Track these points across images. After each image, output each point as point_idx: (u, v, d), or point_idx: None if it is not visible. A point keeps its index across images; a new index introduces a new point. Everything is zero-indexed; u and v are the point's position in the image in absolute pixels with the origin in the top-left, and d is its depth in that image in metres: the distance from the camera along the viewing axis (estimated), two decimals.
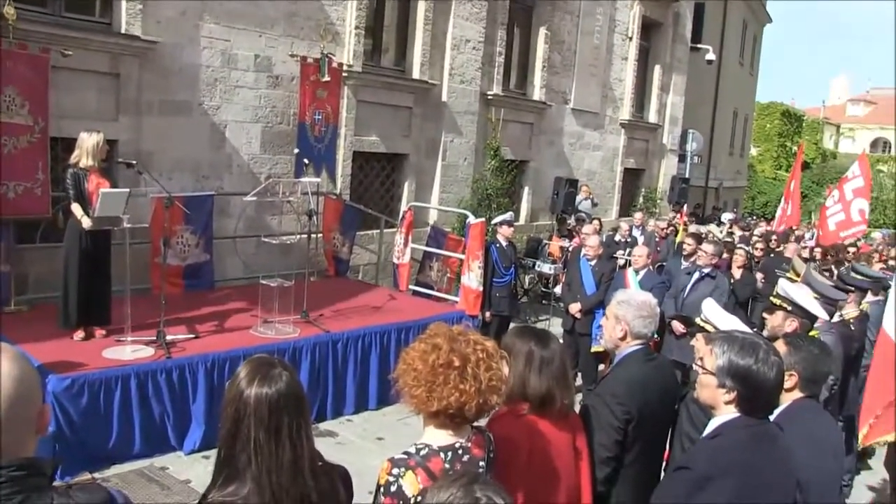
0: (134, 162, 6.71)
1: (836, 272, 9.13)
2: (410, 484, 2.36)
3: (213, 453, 6.35)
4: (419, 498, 2.33)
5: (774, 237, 13.58)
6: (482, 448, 2.56)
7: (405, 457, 2.43)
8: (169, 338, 6.65)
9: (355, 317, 8.23)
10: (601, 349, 8.57)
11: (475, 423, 2.62)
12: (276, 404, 2.13)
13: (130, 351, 6.45)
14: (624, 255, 11.89)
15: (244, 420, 2.13)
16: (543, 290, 13.32)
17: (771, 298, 4.67)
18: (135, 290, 6.85)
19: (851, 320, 6.83)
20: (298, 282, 7.63)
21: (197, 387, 6.50)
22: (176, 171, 8.92)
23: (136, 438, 6.22)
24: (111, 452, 6.05)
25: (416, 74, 12.11)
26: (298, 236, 7.96)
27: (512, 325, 9.19)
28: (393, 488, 2.36)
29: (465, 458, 2.47)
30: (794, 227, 15.84)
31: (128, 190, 6.60)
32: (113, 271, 6.85)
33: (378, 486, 2.40)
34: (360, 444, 6.97)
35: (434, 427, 2.50)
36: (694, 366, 2.99)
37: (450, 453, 2.45)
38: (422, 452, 2.44)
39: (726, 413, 2.70)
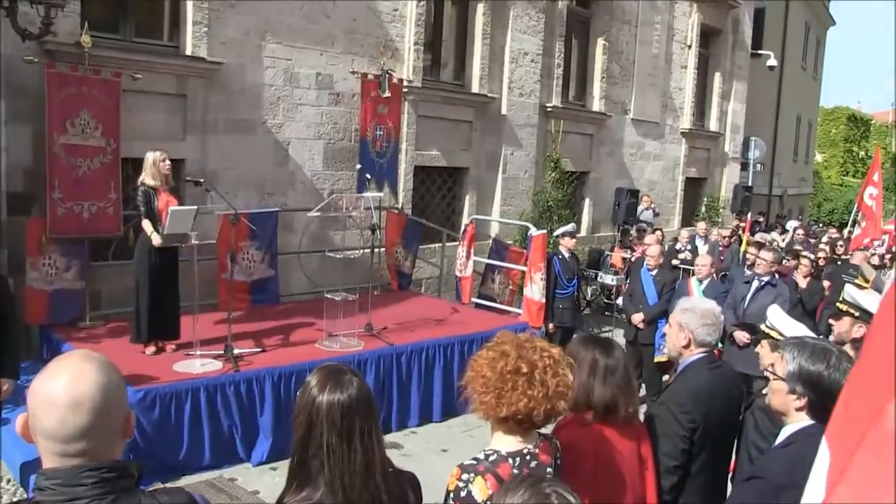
0: (202, 180, 6.90)
1: None
2: (480, 489, 2.39)
3: (280, 465, 6.51)
4: (488, 503, 2.36)
5: (840, 243, 13.24)
6: (549, 454, 2.58)
7: (474, 462, 2.46)
8: (236, 352, 6.79)
9: (419, 330, 8.29)
10: (665, 359, 8.49)
11: (542, 431, 2.64)
12: (347, 410, 2.19)
13: (200, 364, 6.61)
14: (680, 263, 11.76)
15: (317, 426, 2.19)
16: (606, 301, 13.23)
17: (837, 304, 4.58)
18: (202, 305, 7.02)
19: None
20: (362, 296, 7.72)
21: (264, 399, 6.62)
22: (241, 188, 9.13)
23: (206, 450, 6.36)
24: (181, 463, 6.19)
25: (475, 88, 12.19)
26: (361, 251, 8.07)
27: (575, 336, 9.16)
28: (462, 494, 2.39)
29: (533, 464, 2.49)
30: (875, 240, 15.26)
31: (196, 207, 6.79)
32: (181, 287, 7.05)
33: (448, 492, 2.43)
34: (424, 455, 7.01)
35: (502, 433, 2.53)
36: (765, 372, 2.95)
37: (518, 459, 2.48)
38: (490, 458, 2.47)
39: (798, 420, 2.67)
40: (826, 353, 2.64)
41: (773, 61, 21.77)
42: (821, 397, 2.60)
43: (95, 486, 1.62)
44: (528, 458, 2.50)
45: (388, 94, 10.16)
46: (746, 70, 20.38)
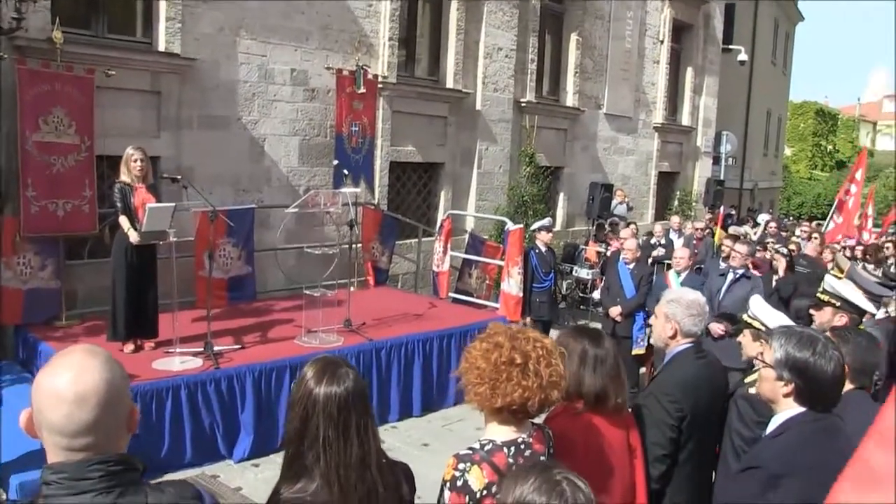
0: (179, 177, 6.85)
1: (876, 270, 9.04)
2: (476, 478, 2.40)
3: (262, 461, 6.49)
4: (484, 492, 2.38)
5: (816, 236, 13.37)
6: (543, 444, 2.60)
7: (470, 452, 2.48)
8: (216, 349, 6.76)
9: (397, 325, 8.30)
10: (642, 352, 8.59)
11: (534, 420, 2.66)
12: (344, 402, 2.20)
13: (179, 362, 6.57)
14: (655, 256, 11.86)
15: (313, 418, 2.19)
16: (581, 295, 13.30)
17: (818, 295, 4.66)
18: (180, 302, 6.97)
19: None
20: (340, 291, 7.72)
21: (245, 396, 6.59)
22: (216, 185, 9.06)
23: (188, 447, 6.33)
24: (163, 461, 6.13)
25: (450, 84, 12.20)
26: (339, 246, 8.05)
27: (553, 330, 9.21)
28: (459, 483, 2.41)
29: (527, 452, 2.51)
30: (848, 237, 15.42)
31: (174, 204, 6.73)
32: (159, 285, 6.99)
33: (444, 482, 2.45)
34: (405, 450, 7.01)
35: (497, 423, 2.55)
36: (754, 360, 2.99)
37: (513, 448, 2.50)
38: (486, 448, 2.49)
39: (787, 408, 2.71)
40: (812, 340, 2.68)
41: (743, 56, 21.98)
42: (808, 383, 2.65)
43: (102, 480, 1.63)
44: (522, 447, 2.52)
45: (363, 89, 10.14)
46: (718, 65, 20.57)
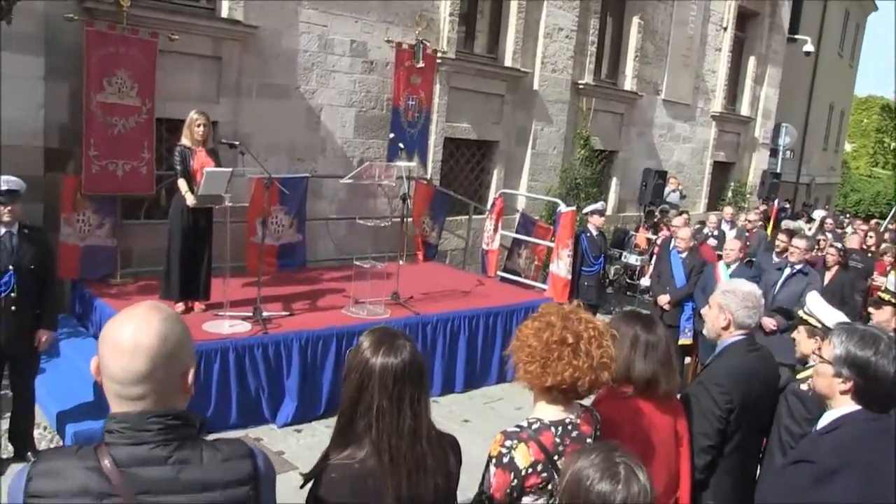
0: (237, 143, 6.91)
1: None
2: (522, 456, 2.42)
3: (305, 427, 6.58)
4: (529, 470, 2.39)
5: (871, 234, 13.09)
6: (590, 425, 2.61)
7: (517, 430, 2.49)
8: (265, 314, 6.85)
9: (444, 301, 8.32)
10: (688, 342, 8.50)
11: (582, 402, 2.66)
12: (400, 374, 2.21)
13: (228, 325, 6.67)
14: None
15: (367, 388, 2.21)
16: (629, 281, 13.21)
17: (879, 294, 4.58)
18: (231, 267, 7.07)
19: None
20: (389, 264, 7.76)
21: (291, 362, 6.68)
22: (272, 153, 9.15)
23: (233, 410, 6.45)
24: (209, 422, 6.25)
25: (508, 62, 12.12)
26: (391, 220, 8.09)
27: (599, 315, 9.16)
28: (505, 460, 2.42)
29: (574, 433, 2.52)
30: None
31: (231, 169, 6.81)
32: (212, 248, 7.10)
33: (490, 458, 2.46)
34: (447, 425, 6.96)
35: (545, 402, 2.55)
36: (811, 356, 2.95)
37: (560, 428, 2.50)
38: (534, 426, 2.50)
39: (843, 405, 2.67)
40: (875, 339, 2.63)
41: (809, 47, 21.43)
42: (868, 382, 2.60)
43: (161, 433, 1.69)
44: (569, 427, 2.52)
45: (421, 64, 10.13)
46: (782, 55, 20.10)
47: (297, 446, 6.35)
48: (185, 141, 6.82)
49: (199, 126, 6.79)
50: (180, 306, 6.95)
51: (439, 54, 10.76)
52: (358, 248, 8.70)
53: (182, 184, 6.72)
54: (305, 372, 6.74)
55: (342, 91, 9.95)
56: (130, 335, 1.68)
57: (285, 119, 9.38)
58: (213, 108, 8.42)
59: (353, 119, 10.13)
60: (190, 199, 6.64)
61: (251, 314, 6.84)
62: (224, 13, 8.70)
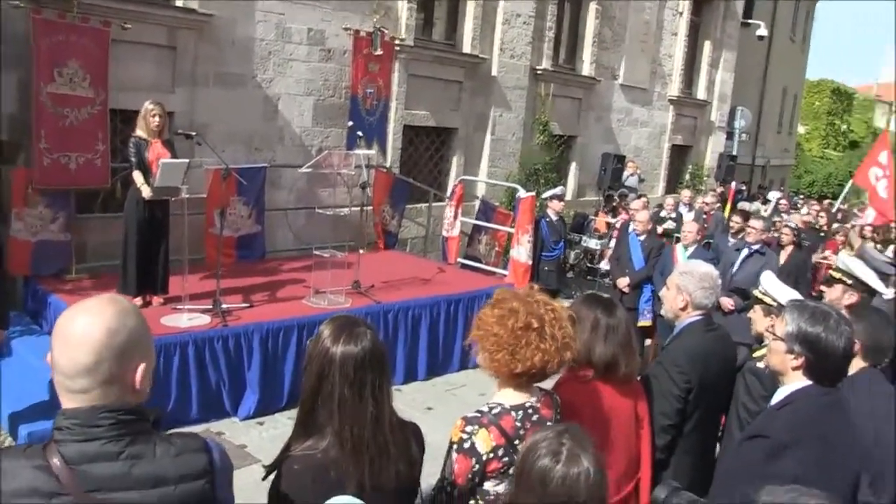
0: (193, 133, 6.81)
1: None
2: (483, 441, 2.43)
3: (267, 419, 6.52)
4: (491, 455, 2.40)
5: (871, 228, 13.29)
6: (551, 409, 2.63)
7: (478, 415, 2.50)
8: (224, 306, 6.78)
9: (405, 288, 8.31)
10: (648, 323, 8.58)
11: (542, 386, 2.68)
12: (361, 362, 2.21)
13: (188, 318, 6.59)
14: (665, 229, 11.83)
15: (328, 377, 2.20)
16: (589, 265, 13.30)
17: (831, 272, 4.67)
18: (190, 259, 6.98)
19: None
20: (349, 253, 7.72)
21: (252, 354, 6.63)
22: (229, 142, 9.04)
23: (194, 404, 6.38)
24: (169, 417, 6.17)
25: (466, 49, 12.10)
26: (350, 208, 8.05)
27: (560, 299, 9.22)
28: (466, 445, 2.43)
29: (535, 417, 2.53)
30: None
31: (187, 161, 6.72)
32: (170, 241, 7.01)
33: (451, 444, 2.47)
34: (409, 413, 6.94)
35: (506, 388, 2.56)
36: (764, 333, 3.00)
37: (520, 412, 2.52)
38: (494, 411, 2.51)
39: (795, 380, 2.72)
40: (825, 315, 2.69)
41: (762, 31, 21.70)
42: (819, 358, 2.66)
43: (112, 428, 1.66)
44: (530, 411, 2.54)
45: (379, 51, 10.07)
46: (736, 39, 20.33)
47: (259, 439, 6.31)
48: (139, 132, 6.69)
49: (154, 116, 6.68)
50: (138, 300, 6.84)
51: (397, 42, 10.70)
52: (318, 237, 8.64)
53: (137, 176, 6.60)
54: (266, 364, 6.70)
55: (300, 79, 9.86)
56: (79, 327, 1.66)
57: (242, 108, 9.27)
58: (168, 98, 8.29)
59: (311, 108, 10.05)
60: (146, 192, 6.54)
61: (210, 307, 6.77)
62: (179, 2, 8.57)
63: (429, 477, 2.53)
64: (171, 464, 1.71)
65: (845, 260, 4.62)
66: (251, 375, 6.65)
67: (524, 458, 2.03)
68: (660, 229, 11.03)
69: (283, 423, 6.52)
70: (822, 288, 4.69)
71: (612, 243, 10.78)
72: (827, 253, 10.63)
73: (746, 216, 9.38)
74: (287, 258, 9.22)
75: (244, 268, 8.46)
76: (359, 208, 8.07)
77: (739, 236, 8.94)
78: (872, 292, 4.63)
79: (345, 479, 2.17)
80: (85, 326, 1.66)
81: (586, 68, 15.06)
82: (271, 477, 2.26)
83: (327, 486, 2.12)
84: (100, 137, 7.64)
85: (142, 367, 1.74)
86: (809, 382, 2.69)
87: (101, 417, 1.66)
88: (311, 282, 7.63)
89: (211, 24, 8.76)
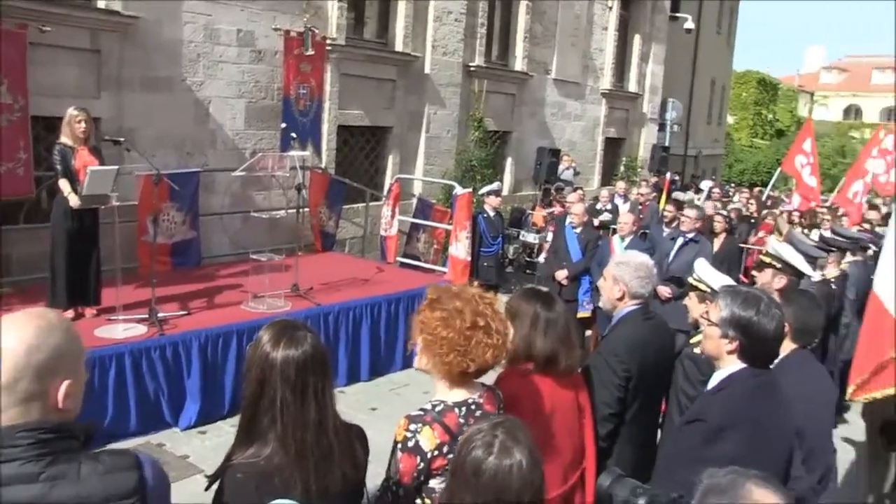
0: (122, 139, 6.67)
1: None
2: (427, 439, 2.41)
3: (209, 428, 6.40)
4: (436, 452, 2.39)
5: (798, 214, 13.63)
6: (493, 404, 2.63)
7: (421, 413, 2.48)
8: (161, 315, 6.64)
9: (345, 289, 8.26)
10: (587, 315, 8.68)
11: (484, 382, 2.67)
12: (302, 365, 2.18)
13: (122, 329, 6.44)
14: (601, 221, 12.00)
15: (270, 382, 2.17)
16: (528, 259, 13.39)
17: (761, 257, 4.78)
18: (122, 268, 6.82)
19: (832, 279, 7.00)
20: (287, 256, 7.64)
21: (191, 363, 6.51)
22: (160, 147, 8.86)
23: (132, 416, 6.22)
24: (106, 431, 6.00)
25: (398, 47, 12.06)
26: (286, 211, 7.96)
27: (500, 294, 9.26)
28: (410, 444, 2.41)
29: (478, 413, 2.53)
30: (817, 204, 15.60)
31: (116, 167, 6.55)
32: (101, 250, 6.83)
33: (395, 443, 2.45)
34: (354, 415, 6.91)
35: (449, 385, 2.55)
36: (699, 319, 3.04)
37: (464, 409, 2.51)
38: (437, 409, 2.49)
39: (730, 364, 2.78)
40: (757, 299, 2.75)
41: (690, 24, 22.14)
42: (752, 341, 2.72)
43: (32, 447, 1.59)
44: (473, 407, 2.53)
45: (311, 51, 9.96)
46: (664, 32, 20.70)
47: (202, 448, 6.20)
48: (64, 139, 6.49)
49: (79, 123, 6.49)
50: (70, 313, 6.65)
51: (328, 41, 10.61)
52: (254, 241, 8.54)
53: (64, 184, 6.41)
54: (206, 371, 6.58)
55: (230, 82, 9.71)
56: None
57: (172, 112, 9.08)
58: (93, 103, 8.06)
59: (243, 110, 9.90)
60: (73, 201, 6.35)
61: (146, 316, 6.62)
62: (101, 3, 8.35)
63: (375, 478, 2.51)
64: (97, 483, 1.64)
65: (774, 245, 4.73)
66: (191, 384, 6.53)
67: (459, 450, 2.03)
68: (596, 221, 11.18)
69: (226, 431, 6.41)
70: (754, 273, 4.80)
71: (550, 237, 10.86)
72: (760, 233, 10.91)
73: (679, 205, 9.56)
74: (224, 263, 9.07)
75: (180, 275, 8.30)
76: (295, 210, 7.98)
77: (673, 225, 9.10)
78: (800, 275, 4.75)
79: (290, 485, 2.14)
80: (3, 344, 1.59)
81: (519, 64, 15.16)
82: (215, 487, 2.22)
83: (272, 494, 2.07)
84: (21, 145, 7.39)
85: (66, 384, 1.67)
86: (743, 365, 2.76)
87: (18, 437, 1.58)
88: (249, 286, 7.52)
89: (136, 26, 8.55)
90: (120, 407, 6.12)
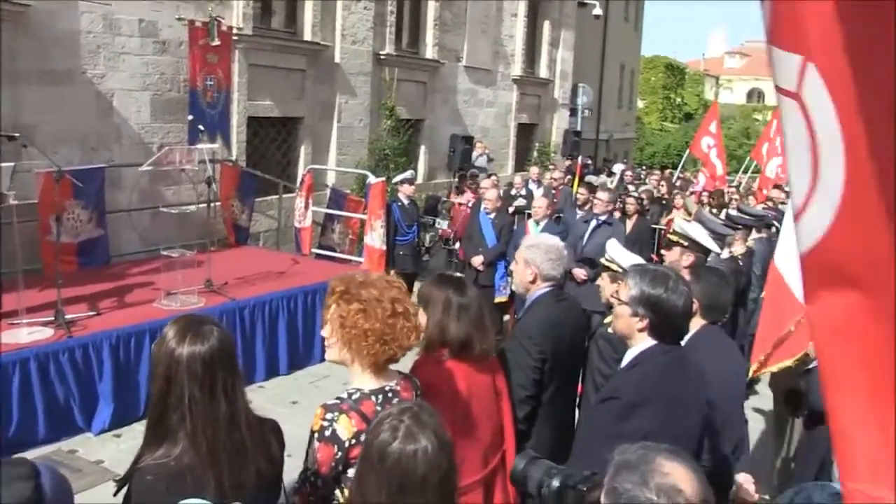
0: (17, 135, 6.38)
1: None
2: (345, 427, 2.40)
3: (124, 431, 6.24)
4: (353, 441, 2.38)
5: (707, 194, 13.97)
6: (410, 391, 2.63)
7: (338, 402, 2.47)
8: (68, 317, 6.41)
9: (260, 283, 8.14)
10: (504, 299, 8.77)
11: (401, 371, 2.68)
12: (209, 360, 2.14)
13: (27, 333, 6.18)
14: (516, 206, 12.11)
15: (177, 379, 2.12)
16: (444, 247, 13.41)
17: (668, 235, 4.90)
18: (25, 270, 6.55)
19: (739, 256, 7.24)
20: (199, 252, 7.50)
21: (103, 365, 6.31)
22: (61, 143, 8.52)
23: (41, 423, 5.98)
24: (13, 441, 5.77)
25: (307, 36, 11.90)
26: (197, 205, 7.78)
27: (417, 282, 9.27)
28: (327, 433, 2.40)
29: (395, 400, 2.53)
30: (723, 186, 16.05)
31: (12, 164, 6.27)
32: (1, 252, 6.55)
33: (312, 433, 2.43)
34: (273, 409, 6.86)
35: (365, 373, 2.54)
36: (610, 299, 3.10)
37: (380, 396, 2.51)
38: (354, 397, 2.49)
39: (641, 342, 2.84)
40: (665, 277, 2.81)
41: (598, 11, 22.49)
42: (661, 318, 2.78)
43: None
44: (390, 394, 2.54)
45: (217, 42, 9.72)
46: (574, 19, 20.95)
47: (117, 452, 6.02)
48: None
49: None
50: None
51: (235, 31, 10.39)
52: (165, 237, 8.32)
53: None
54: (119, 373, 6.40)
55: (134, 74, 9.40)
56: None
57: (73, 107, 8.74)
58: None
59: (148, 103, 9.62)
60: None
61: (53, 318, 6.38)
62: None
63: (295, 471, 2.51)
64: None
65: (681, 223, 4.86)
66: (103, 387, 6.34)
67: (367, 435, 2.04)
68: (512, 207, 11.27)
69: (141, 434, 6.20)
70: (662, 251, 4.93)
71: (446, 224, 10.99)
72: (673, 214, 11.19)
73: (592, 188, 9.73)
74: (134, 261, 8.81)
75: (88, 275, 8.02)
76: (206, 205, 7.82)
77: (586, 208, 9.25)
78: (707, 252, 4.90)
79: (202, 484, 2.10)
80: None
81: (429, 52, 15.14)
82: (124, 492, 2.16)
83: (183, 494, 2.02)
84: None
85: None
86: (654, 342, 2.82)
87: None
88: (161, 284, 7.35)
89: (28, 15, 8.17)
90: (27, 414, 5.87)
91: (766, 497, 3.53)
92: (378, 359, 2.50)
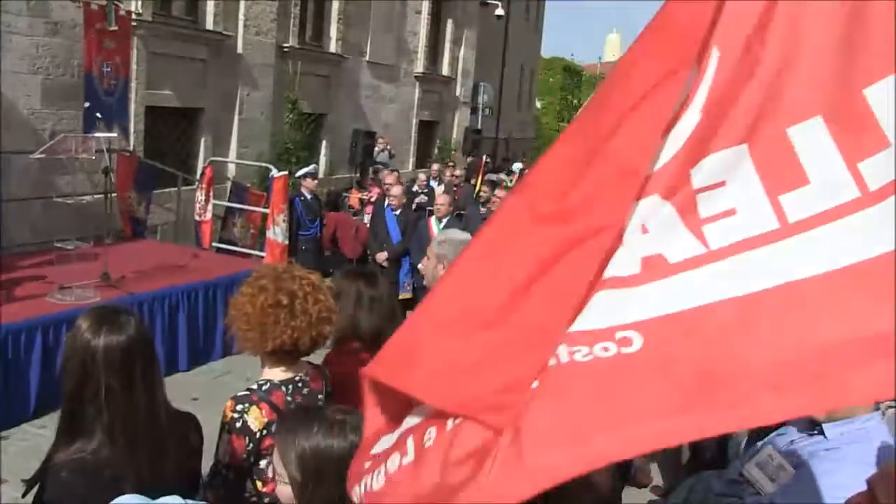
0: None
1: None
2: (255, 418, 2.42)
3: (12, 432, 6.01)
4: (264, 431, 2.40)
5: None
6: (320, 382, 2.67)
7: (248, 393, 2.49)
8: None
9: (159, 277, 7.94)
10: (409, 296, 8.83)
11: (312, 361, 2.70)
12: (127, 351, 2.10)
13: None
14: (418, 203, 12.23)
15: (92, 372, 2.07)
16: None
17: None
18: None
19: None
20: (95, 244, 7.28)
21: None
22: None
23: None
24: None
25: (209, 25, 11.69)
26: (93, 196, 7.55)
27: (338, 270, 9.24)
28: (238, 424, 2.41)
29: (305, 390, 2.56)
30: None
31: None
32: None
33: (222, 425, 2.44)
34: (175, 406, 6.81)
35: (273, 365, 2.57)
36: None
37: (290, 386, 2.54)
38: (264, 388, 2.51)
39: None
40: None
41: (500, 11, 22.81)
42: None
43: None
44: (300, 385, 2.57)
45: (115, 27, 9.42)
46: (476, 18, 21.20)
47: (4, 455, 5.76)
48: None
49: None
50: None
51: (134, 16, 10.10)
52: (59, 229, 8.05)
53: None
54: (7, 371, 6.10)
55: (23, 55, 9.00)
56: None
57: None
58: None
59: (38, 87, 9.24)
60: None
61: None
62: None
63: (203, 467, 2.50)
64: None
65: None
66: None
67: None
68: (414, 204, 11.35)
69: (32, 434, 6.00)
70: None
71: (367, 219, 10.93)
72: None
73: (494, 186, 9.91)
74: (25, 253, 8.45)
75: None
76: (103, 196, 7.59)
77: (489, 205, 9.42)
78: None
79: (121, 477, 2.06)
80: None
81: (333, 46, 15.09)
82: (34, 492, 2.11)
83: (103, 489, 1.98)
84: None
85: None
86: None
87: None
88: (54, 277, 7.10)
89: None
90: None
91: (660, 486, 3.70)
92: (254, 348, 2.50)
